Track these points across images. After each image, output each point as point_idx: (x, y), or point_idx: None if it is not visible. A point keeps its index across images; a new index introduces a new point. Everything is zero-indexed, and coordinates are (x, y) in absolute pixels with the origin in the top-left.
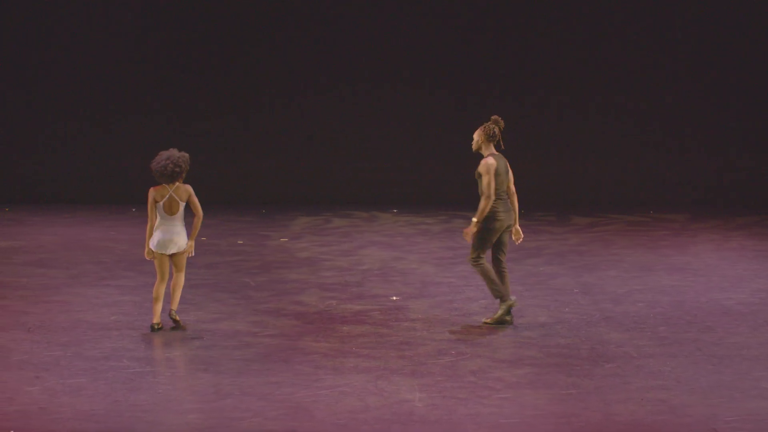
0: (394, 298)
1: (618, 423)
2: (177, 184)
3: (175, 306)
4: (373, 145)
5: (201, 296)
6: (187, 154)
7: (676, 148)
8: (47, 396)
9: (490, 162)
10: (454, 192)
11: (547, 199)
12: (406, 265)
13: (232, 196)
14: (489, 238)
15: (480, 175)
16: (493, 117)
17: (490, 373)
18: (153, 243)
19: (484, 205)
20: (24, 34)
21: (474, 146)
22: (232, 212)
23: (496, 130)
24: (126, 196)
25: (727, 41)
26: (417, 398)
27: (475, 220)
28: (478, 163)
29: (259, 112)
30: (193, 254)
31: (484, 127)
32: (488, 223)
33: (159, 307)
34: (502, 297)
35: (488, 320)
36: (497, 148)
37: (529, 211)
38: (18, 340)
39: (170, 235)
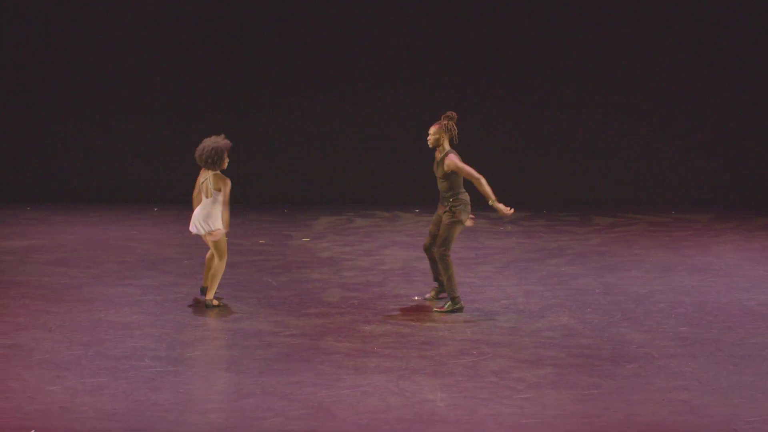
0: (416, 297)
1: (639, 423)
2: (216, 172)
3: (209, 296)
4: (396, 144)
5: (223, 296)
6: (223, 147)
7: (697, 148)
8: (68, 395)
9: (456, 155)
10: (477, 192)
11: (569, 199)
12: (427, 265)
13: (253, 195)
14: (459, 230)
15: (449, 171)
16: (449, 113)
17: (511, 374)
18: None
19: (484, 184)
20: (44, 32)
21: (432, 143)
22: (254, 212)
23: (455, 128)
24: (148, 196)
25: (748, 38)
26: (439, 398)
27: (494, 200)
28: (443, 160)
29: (282, 111)
30: (216, 238)
31: (445, 126)
32: (462, 215)
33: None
34: (455, 297)
35: (440, 309)
36: (452, 143)
37: (551, 211)
38: (39, 340)
39: (197, 216)
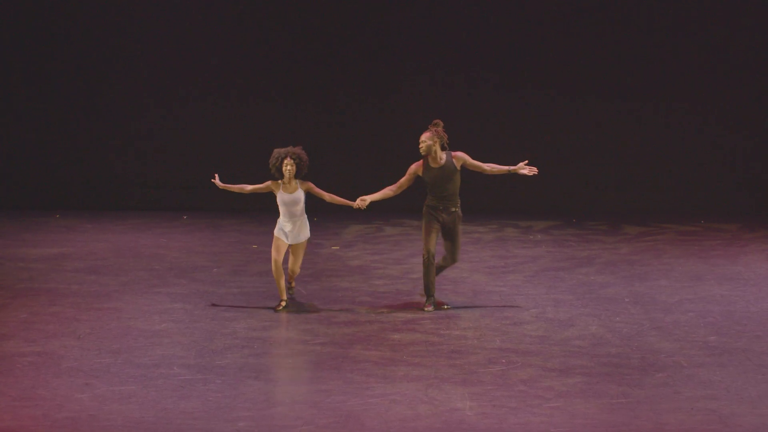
0: (446, 306)
1: None
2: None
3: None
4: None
5: (252, 304)
6: (279, 154)
7: (727, 157)
8: (97, 403)
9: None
10: (506, 201)
11: (599, 208)
12: (457, 274)
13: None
14: None
15: (459, 169)
16: (436, 121)
17: (540, 382)
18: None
19: (496, 166)
20: (73, 38)
21: (425, 150)
22: None
23: (445, 134)
24: (178, 204)
25: None
26: (467, 407)
27: (514, 167)
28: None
29: (310, 121)
30: None
31: (436, 132)
32: None
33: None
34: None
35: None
36: (442, 149)
37: (580, 220)
38: (68, 347)
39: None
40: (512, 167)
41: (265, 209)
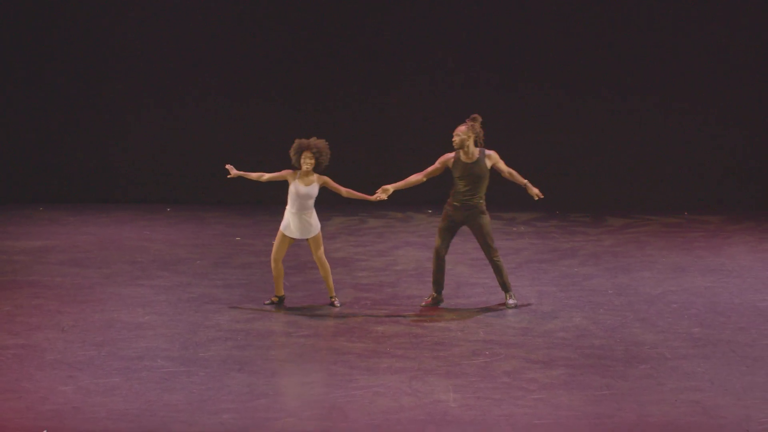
0: (429, 298)
1: (652, 424)
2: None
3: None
4: (408, 145)
5: (236, 296)
6: (301, 145)
7: (712, 149)
8: (81, 395)
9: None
10: (489, 193)
11: (582, 200)
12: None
13: (267, 195)
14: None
15: (489, 168)
16: (474, 116)
17: (524, 374)
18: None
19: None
20: (58, 31)
21: (458, 144)
22: (267, 212)
23: (481, 130)
24: (161, 196)
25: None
26: (451, 399)
27: (528, 184)
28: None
29: (293, 113)
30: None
31: (472, 127)
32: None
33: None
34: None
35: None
36: (476, 145)
37: (564, 212)
38: (52, 340)
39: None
40: (528, 183)
41: (249, 201)
